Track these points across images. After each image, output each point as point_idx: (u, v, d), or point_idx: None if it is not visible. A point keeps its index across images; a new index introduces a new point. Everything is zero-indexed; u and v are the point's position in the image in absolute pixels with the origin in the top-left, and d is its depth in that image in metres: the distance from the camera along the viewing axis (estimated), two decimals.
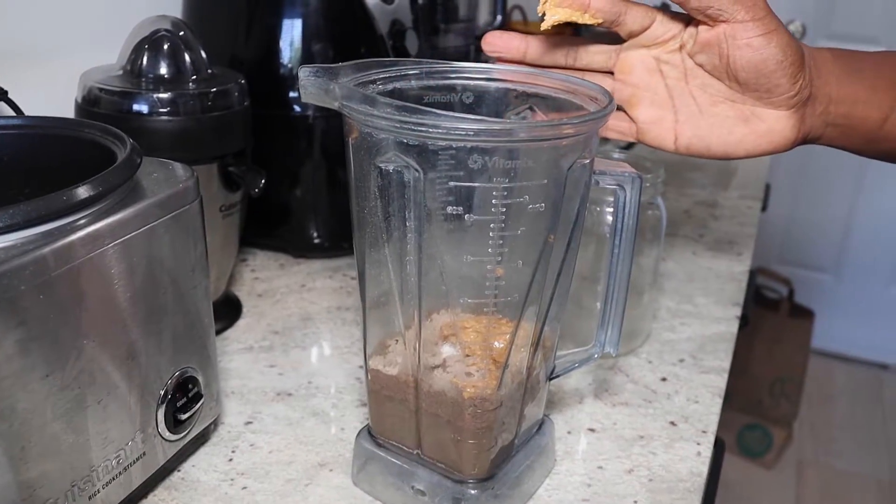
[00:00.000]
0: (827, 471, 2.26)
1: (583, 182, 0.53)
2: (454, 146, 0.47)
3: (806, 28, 2.40)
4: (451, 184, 0.48)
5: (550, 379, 0.60)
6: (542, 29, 0.58)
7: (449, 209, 0.49)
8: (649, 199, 0.77)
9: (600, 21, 0.57)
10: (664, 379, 0.77)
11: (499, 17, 1.39)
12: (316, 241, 0.98)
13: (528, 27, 2.06)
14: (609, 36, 0.62)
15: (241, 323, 0.83)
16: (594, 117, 0.49)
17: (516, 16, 2.08)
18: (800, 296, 2.36)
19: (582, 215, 0.55)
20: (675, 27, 0.59)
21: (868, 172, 2.52)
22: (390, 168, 0.48)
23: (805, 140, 0.61)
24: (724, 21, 0.55)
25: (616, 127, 0.64)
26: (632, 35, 0.60)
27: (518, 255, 0.51)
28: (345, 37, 0.94)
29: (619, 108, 0.63)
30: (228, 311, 0.84)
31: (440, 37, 1.29)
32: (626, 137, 0.64)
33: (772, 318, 2.20)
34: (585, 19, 0.56)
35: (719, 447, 0.84)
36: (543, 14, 0.57)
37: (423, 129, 0.46)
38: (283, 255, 0.98)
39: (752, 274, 2.30)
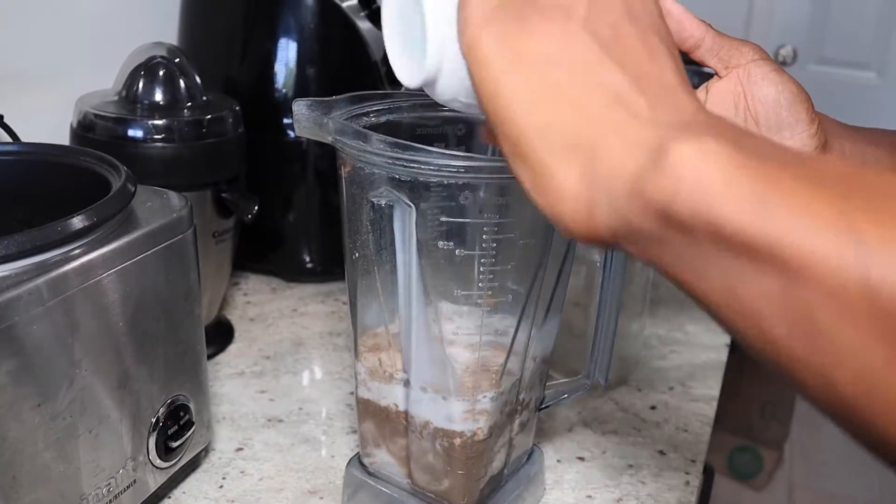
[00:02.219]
0: (817, 493, 2.26)
1: None
2: (445, 182, 0.47)
3: (797, 53, 2.42)
4: (443, 219, 0.48)
5: (540, 409, 0.61)
6: None
7: (440, 244, 0.49)
8: None
9: None
10: (653, 407, 0.77)
11: None
12: (308, 265, 0.98)
13: None
14: None
15: (232, 348, 0.83)
16: None
17: None
18: None
19: (573, 247, 0.55)
20: None
21: None
22: (382, 202, 0.49)
23: None
24: (735, 65, 0.55)
25: None
26: None
27: (508, 289, 0.51)
28: (339, 63, 0.94)
29: None
30: (220, 335, 0.84)
31: None
32: None
33: None
34: None
35: (708, 474, 0.84)
36: None
37: (415, 165, 0.46)
38: (276, 279, 0.99)
39: None
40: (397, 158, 0.46)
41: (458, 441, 0.54)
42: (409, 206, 0.48)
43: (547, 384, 0.61)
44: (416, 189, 0.48)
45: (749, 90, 0.55)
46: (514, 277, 0.51)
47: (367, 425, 0.59)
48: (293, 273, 0.99)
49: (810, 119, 0.55)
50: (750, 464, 2.24)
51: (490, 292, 0.51)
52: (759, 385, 2.21)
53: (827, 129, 0.57)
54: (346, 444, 0.69)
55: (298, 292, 0.96)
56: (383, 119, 0.57)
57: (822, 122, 0.57)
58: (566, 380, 0.63)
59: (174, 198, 0.60)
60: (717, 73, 0.56)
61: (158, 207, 0.58)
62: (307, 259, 0.98)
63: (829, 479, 2.31)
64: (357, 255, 0.53)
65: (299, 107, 0.51)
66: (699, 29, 0.54)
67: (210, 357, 0.80)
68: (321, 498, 0.63)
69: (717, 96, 0.56)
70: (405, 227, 0.49)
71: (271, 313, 0.91)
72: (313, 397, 0.76)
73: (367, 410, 0.58)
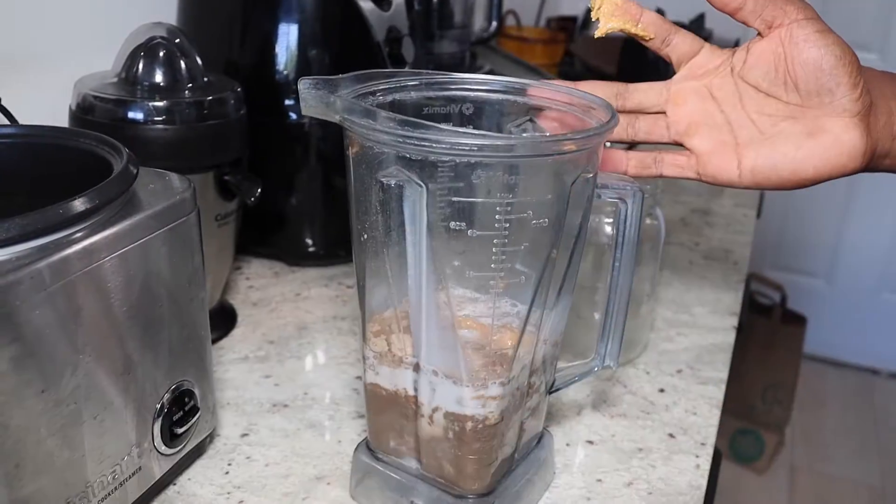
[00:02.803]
0: (818, 476, 2.26)
1: (586, 196, 0.52)
2: (457, 161, 0.46)
3: None
4: (454, 199, 0.47)
5: (551, 392, 0.60)
6: (595, 36, 0.58)
7: (451, 224, 0.48)
8: (647, 209, 0.77)
9: (651, 36, 0.57)
10: (662, 390, 0.77)
11: (494, 24, 1.39)
12: (311, 249, 0.97)
13: (521, 32, 2.06)
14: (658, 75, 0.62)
15: (236, 332, 0.82)
16: (598, 132, 0.49)
17: (510, 21, 2.08)
18: (792, 302, 2.37)
19: (584, 229, 0.54)
20: (722, 53, 0.59)
21: (860, 180, 2.53)
22: (392, 182, 0.48)
23: (874, 155, 0.56)
24: (779, 25, 0.54)
25: (674, 161, 0.60)
26: (681, 61, 0.59)
27: (520, 271, 0.50)
28: (341, 44, 0.93)
29: (677, 144, 0.61)
30: (223, 320, 0.83)
31: (436, 43, 1.29)
32: (686, 172, 0.60)
33: (765, 324, 2.20)
34: (638, 30, 0.57)
35: (716, 458, 0.84)
36: (598, 20, 0.57)
37: (426, 143, 0.45)
38: (278, 263, 0.98)
39: (747, 280, 2.30)
40: (408, 137, 0.45)
41: (469, 425, 0.53)
42: (420, 186, 0.47)
43: (557, 367, 0.60)
44: (426, 168, 0.47)
45: (790, 52, 0.54)
46: (526, 259, 0.50)
47: (376, 410, 0.58)
48: (296, 257, 0.97)
49: (852, 83, 0.53)
50: (752, 447, 2.23)
51: (502, 274, 0.50)
52: (761, 369, 2.21)
53: (876, 88, 0.55)
54: (352, 429, 0.69)
55: (301, 276, 0.95)
56: (389, 98, 0.56)
57: (872, 82, 0.55)
58: (576, 363, 0.62)
59: (177, 180, 0.59)
60: (759, 33, 0.55)
61: (161, 190, 0.57)
62: (310, 243, 0.97)
63: (830, 462, 2.31)
64: (365, 236, 0.52)
65: (305, 85, 0.50)
66: None
67: (214, 342, 0.79)
68: (328, 483, 0.62)
69: (757, 57, 0.55)
70: (415, 207, 0.48)
71: (274, 297, 0.90)
72: (319, 382, 0.75)
73: (375, 395, 0.57)
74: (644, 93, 0.62)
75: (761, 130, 0.57)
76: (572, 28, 2.23)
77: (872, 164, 0.56)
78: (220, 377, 0.74)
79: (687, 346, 0.85)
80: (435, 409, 0.54)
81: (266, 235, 0.97)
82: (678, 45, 0.59)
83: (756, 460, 2.24)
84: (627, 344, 0.80)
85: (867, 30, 2.37)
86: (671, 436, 0.70)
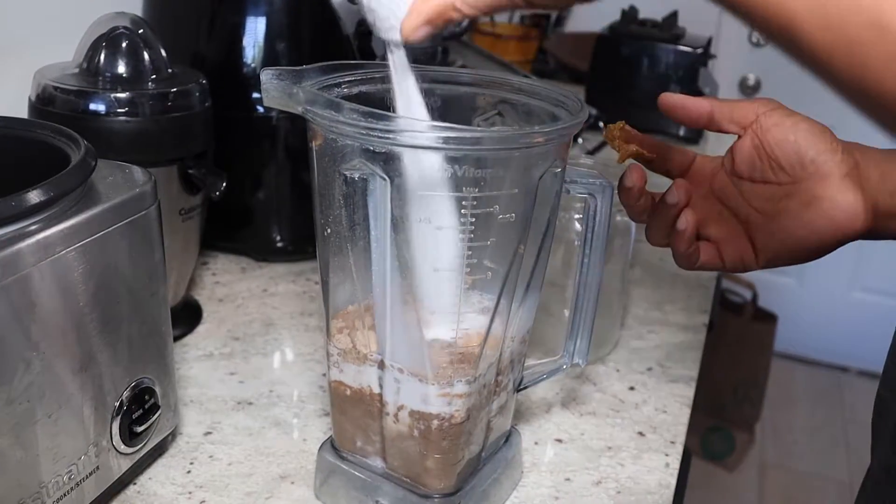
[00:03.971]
0: (788, 473, 2.27)
1: (554, 191, 0.52)
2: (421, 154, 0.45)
3: (760, 82, 2.45)
4: (419, 193, 0.46)
5: (518, 390, 0.59)
6: (618, 162, 0.63)
7: (416, 219, 0.47)
8: (617, 204, 0.76)
9: (653, 156, 0.62)
10: (632, 388, 0.76)
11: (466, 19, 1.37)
12: (279, 244, 0.96)
13: (495, 28, 2.05)
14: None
15: (200, 329, 0.81)
16: (566, 125, 0.48)
17: (483, 17, 2.07)
18: (763, 300, 2.38)
19: (553, 224, 0.53)
20: (714, 160, 0.63)
21: None
22: (356, 176, 0.47)
23: (877, 213, 0.58)
24: (749, 122, 0.58)
25: (705, 250, 0.62)
26: (680, 172, 0.63)
27: (487, 267, 0.50)
28: (309, 37, 0.92)
29: (703, 239, 0.62)
30: (188, 316, 0.82)
31: None
32: (715, 261, 0.62)
33: (736, 322, 2.21)
34: (643, 151, 0.61)
35: (686, 456, 0.83)
36: (617, 149, 0.62)
37: (390, 136, 0.44)
38: (245, 258, 0.96)
39: (718, 278, 2.29)
40: (371, 129, 0.44)
41: (434, 424, 0.52)
42: (385, 180, 0.46)
43: (525, 365, 0.59)
44: (390, 161, 0.46)
45: (765, 140, 0.58)
46: (492, 254, 0.49)
47: (340, 408, 0.57)
48: (263, 252, 0.96)
49: (830, 148, 0.57)
50: (722, 444, 2.24)
51: (468, 269, 0.49)
52: (732, 367, 2.21)
53: (857, 151, 0.58)
54: (318, 428, 0.67)
55: (269, 272, 0.94)
56: (355, 90, 0.55)
57: (853, 148, 0.58)
58: (545, 360, 0.61)
59: (137, 172, 0.57)
60: (737, 135, 0.60)
61: (121, 182, 0.55)
62: (278, 238, 0.96)
63: (799, 459, 2.32)
64: (329, 231, 0.51)
65: (267, 76, 0.49)
66: (704, 105, 0.60)
67: (177, 338, 0.78)
68: (292, 483, 0.61)
69: (741, 154, 0.60)
70: (379, 201, 0.47)
71: (241, 293, 0.89)
72: (284, 379, 0.74)
73: (339, 393, 0.56)
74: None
75: (765, 214, 0.60)
76: (545, 24, 2.23)
77: (881, 225, 0.58)
78: (183, 374, 0.73)
79: (658, 343, 0.84)
80: (400, 408, 0.53)
81: (233, 230, 0.95)
82: (675, 159, 0.63)
83: (727, 457, 2.24)
84: (597, 342, 0.80)
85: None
86: (641, 434, 0.69)
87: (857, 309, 2.67)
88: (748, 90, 2.54)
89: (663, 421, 0.71)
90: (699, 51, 1.54)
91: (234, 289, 0.90)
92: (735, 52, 2.52)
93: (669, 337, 0.86)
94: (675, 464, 0.67)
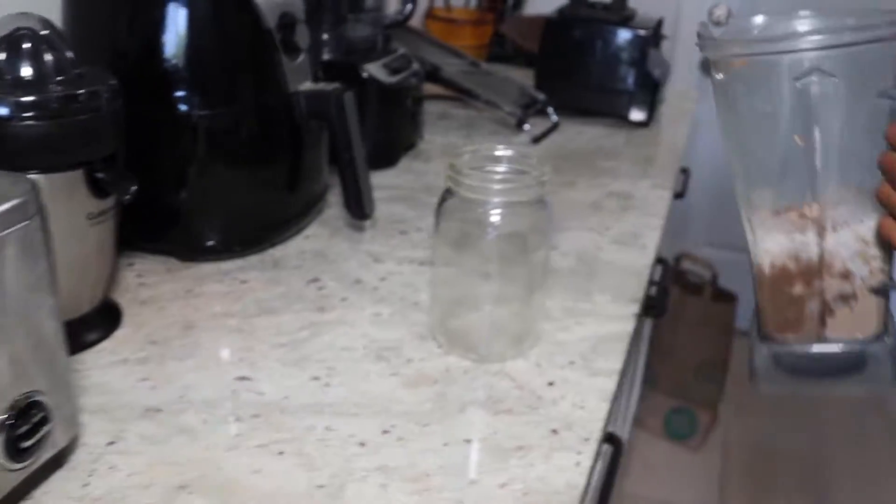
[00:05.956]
0: (751, 450, 2.29)
1: None
2: None
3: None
4: None
5: None
6: None
7: None
8: (535, 197, 0.75)
9: None
10: (551, 383, 0.75)
11: (409, 6, 1.36)
12: (206, 243, 0.94)
13: (450, 13, 2.03)
14: None
15: (119, 333, 0.80)
16: None
17: (438, 2, 2.05)
18: (726, 278, 2.38)
19: None
20: None
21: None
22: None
23: None
24: None
25: None
26: None
27: None
28: (231, 31, 0.90)
29: None
30: (105, 320, 0.81)
31: (348, 27, 1.26)
32: None
33: (695, 303, 2.21)
34: None
35: (616, 450, 0.83)
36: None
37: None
38: (172, 259, 0.95)
39: (677, 259, 2.30)
40: None
41: None
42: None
43: None
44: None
45: None
46: None
47: None
48: (191, 252, 0.95)
49: None
50: (686, 425, 2.25)
51: None
52: (694, 347, 2.22)
53: None
54: (224, 434, 0.66)
55: (196, 272, 0.93)
56: None
57: None
58: None
59: (19, 181, 0.56)
60: None
61: (1, 192, 0.54)
62: (204, 237, 0.94)
63: (762, 435, 2.34)
64: None
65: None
66: None
67: (92, 344, 0.77)
68: (190, 493, 0.60)
69: None
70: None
71: (165, 295, 0.87)
72: (197, 383, 0.73)
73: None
74: None
75: None
76: (503, 8, 2.21)
77: None
78: (93, 382, 0.72)
79: (584, 335, 0.84)
80: None
81: (158, 231, 0.94)
82: None
83: (690, 437, 2.25)
84: (518, 336, 0.79)
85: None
86: (554, 432, 0.69)
87: None
88: (709, 68, 2.53)
89: (580, 418, 0.71)
90: (645, 32, 1.53)
91: (159, 290, 0.88)
92: (695, 33, 2.51)
93: (597, 328, 0.85)
94: (587, 462, 0.66)
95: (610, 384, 0.76)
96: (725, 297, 2.26)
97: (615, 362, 0.79)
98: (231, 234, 0.95)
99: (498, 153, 0.78)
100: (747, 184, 0.65)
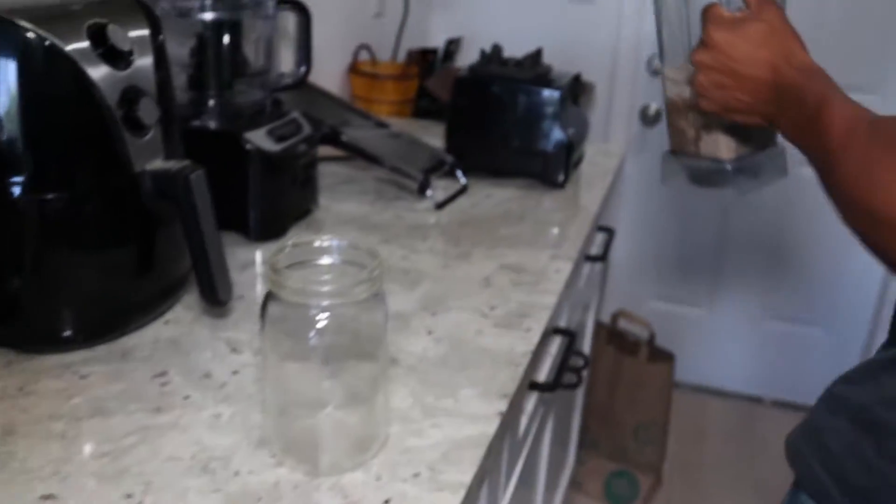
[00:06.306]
0: None
1: None
2: None
3: (661, 113, 2.39)
4: None
5: None
6: None
7: None
8: (368, 296, 0.69)
9: None
10: (387, 501, 0.69)
11: (302, 69, 1.31)
12: (47, 334, 0.87)
13: (375, 68, 1.98)
14: None
15: None
16: None
17: (363, 56, 2.01)
18: (671, 332, 2.33)
19: None
20: None
21: (733, 211, 2.51)
22: None
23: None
24: None
25: None
26: None
27: None
28: (65, 109, 0.84)
29: None
30: None
31: (234, 92, 1.21)
32: None
33: (632, 364, 2.15)
34: None
35: None
36: None
37: None
38: (14, 351, 0.88)
39: (614, 318, 2.24)
40: None
41: None
42: None
43: None
44: None
45: None
46: None
47: None
48: (31, 343, 0.88)
49: None
50: (626, 489, 2.18)
51: None
52: (631, 409, 2.15)
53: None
54: None
55: (37, 365, 0.86)
56: None
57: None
58: None
59: None
60: None
61: None
62: (46, 327, 0.87)
63: (707, 499, 2.27)
64: None
65: None
66: None
67: None
68: None
69: None
70: None
71: None
72: None
73: None
74: None
75: None
76: (433, 60, 2.17)
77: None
78: None
79: (438, 440, 0.77)
80: None
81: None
82: None
83: (632, 501, 2.18)
84: (360, 441, 0.73)
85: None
86: None
87: (770, 338, 2.64)
88: (649, 119, 2.50)
89: None
90: (560, 89, 1.48)
91: None
92: (634, 82, 2.49)
93: (454, 431, 0.78)
94: None
95: (454, 500, 0.70)
96: (662, 357, 2.19)
97: (466, 474, 0.73)
98: (76, 323, 0.88)
99: (324, 244, 0.72)
100: (662, 53, 0.98)
